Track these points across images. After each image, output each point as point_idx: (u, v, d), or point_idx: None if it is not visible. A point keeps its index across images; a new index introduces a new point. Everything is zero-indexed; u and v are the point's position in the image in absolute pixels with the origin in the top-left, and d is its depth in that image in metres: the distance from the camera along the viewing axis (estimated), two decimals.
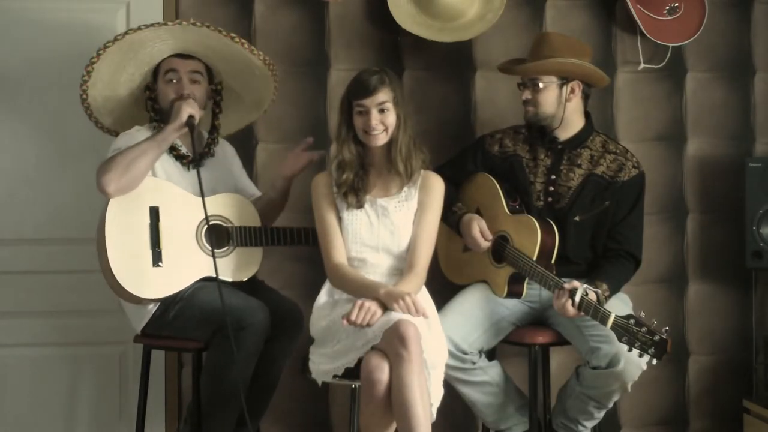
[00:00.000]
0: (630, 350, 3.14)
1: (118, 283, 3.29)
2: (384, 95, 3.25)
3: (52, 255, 3.92)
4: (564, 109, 3.52)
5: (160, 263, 3.34)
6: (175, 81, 3.46)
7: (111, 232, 3.30)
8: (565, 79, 3.51)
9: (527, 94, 3.53)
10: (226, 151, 3.68)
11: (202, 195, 3.30)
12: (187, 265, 3.37)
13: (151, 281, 3.32)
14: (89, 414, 3.98)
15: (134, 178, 3.30)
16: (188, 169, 3.47)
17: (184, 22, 3.40)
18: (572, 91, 3.53)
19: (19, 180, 3.92)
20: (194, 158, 3.43)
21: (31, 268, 3.93)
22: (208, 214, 3.34)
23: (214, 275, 3.33)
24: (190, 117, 3.35)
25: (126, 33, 3.40)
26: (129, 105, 3.58)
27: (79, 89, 3.47)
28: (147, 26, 3.40)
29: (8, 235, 3.92)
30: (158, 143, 3.33)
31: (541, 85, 3.50)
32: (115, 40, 3.39)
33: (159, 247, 3.34)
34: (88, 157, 3.86)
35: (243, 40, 3.47)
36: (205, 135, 3.59)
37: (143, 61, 3.49)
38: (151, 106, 3.51)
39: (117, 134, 3.55)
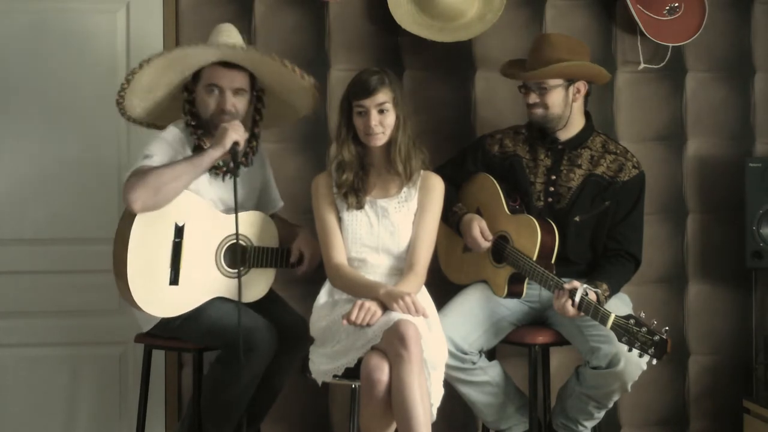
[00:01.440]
0: (630, 350, 3.14)
1: (132, 298, 3.25)
2: (383, 96, 3.25)
3: (52, 255, 3.92)
4: (570, 109, 3.53)
5: (176, 283, 3.29)
6: (217, 93, 3.32)
7: (134, 247, 3.23)
8: (570, 80, 3.51)
9: (534, 98, 3.52)
10: (260, 156, 3.57)
11: (236, 211, 3.22)
12: (202, 285, 3.32)
13: (165, 300, 3.28)
14: (89, 414, 3.98)
15: (162, 201, 3.20)
16: (222, 180, 3.37)
17: (237, 47, 3.28)
18: (578, 91, 3.54)
19: (19, 180, 3.92)
20: (231, 172, 3.28)
21: (31, 268, 3.93)
22: (231, 232, 3.29)
23: (227, 296, 3.32)
24: (235, 144, 3.23)
25: (173, 49, 3.30)
26: (166, 101, 3.47)
27: (117, 95, 3.36)
28: (196, 45, 3.30)
29: (8, 235, 3.92)
30: (195, 167, 3.22)
31: (548, 88, 3.49)
32: (161, 54, 3.29)
33: (179, 266, 3.29)
34: (88, 157, 3.86)
35: (294, 66, 3.35)
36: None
37: (187, 67, 3.36)
38: (188, 109, 3.39)
39: (143, 125, 3.48)
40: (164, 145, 3.31)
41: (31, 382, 3.94)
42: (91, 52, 3.88)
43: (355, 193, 3.31)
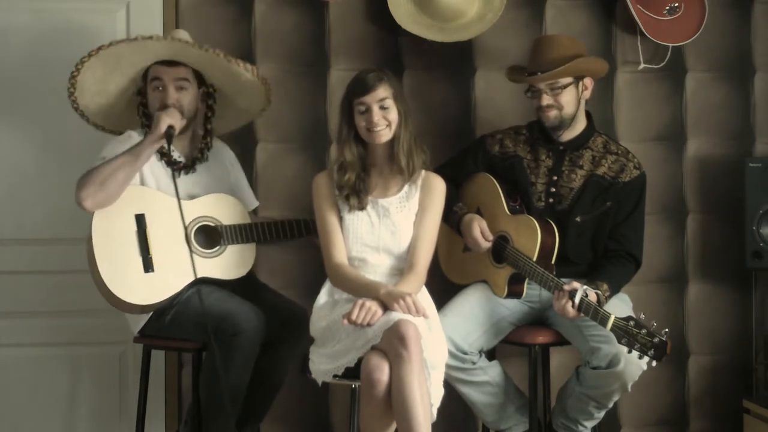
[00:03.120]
0: (630, 352, 3.14)
1: (112, 294, 3.27)
2: (384, 91, 3.25)
3: (52, 255, 3.92)
4: (579, 106, 3.53)
5: (152, 269, 3.32)
6: (160, 89, 3.41)
7: (99, 244, 3.28)
8: (578, 78, 3.52)
9: (548, 100, 3.51)
10: (224, 156, 3.65)
11: (178, 199, 3.27)
12: (180, 268, 3.34)
13: (145, 287, 3.30)
14: (89, 414, 3.98)
15: (111, 194, 3.27)
16: (179, 175, 3.43)
17: (154, 37, 3.34)
18: (585, 87, 3.55)
19: (19, 180, 3.92)
20: (172, 165, 3.37)
21: (31, 268, 3.93)
22: (198, 215, 3.37)
23: (210, 276, 3.34)
24: (169, 127, 3.30)
25: (100, 48, 3.34)
26: (122, 106, 3.55)
27: (69, 99, 3.46)
28: (118, 41, 3.36)
29: (8, 235, 3.92)
30: (135, 157, 3.29)
31: (561, 87, 3.49)
32: (90, 55, 3.35)
33: (149, 253, 3.32)
34: (87, 156, 3.83)
35: (218, 51, 3.38)
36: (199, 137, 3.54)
37: (127, 70, 3.45)
38: (142, 111, 3.48)
39: (118, 133, 3.53)
40: (118, 146, 3.37)
41: (31, 382, 3.94)
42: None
43: (356, 194, 3.30)
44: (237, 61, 3.42)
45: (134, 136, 3.43)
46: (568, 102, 3.51)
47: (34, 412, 3.95)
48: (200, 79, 3.50)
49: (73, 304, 3.92)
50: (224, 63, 3.41)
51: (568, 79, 3.50)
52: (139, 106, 3.49)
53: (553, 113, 3.52)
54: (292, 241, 3.61)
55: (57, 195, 3.92)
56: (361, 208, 3.31)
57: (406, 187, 3.34)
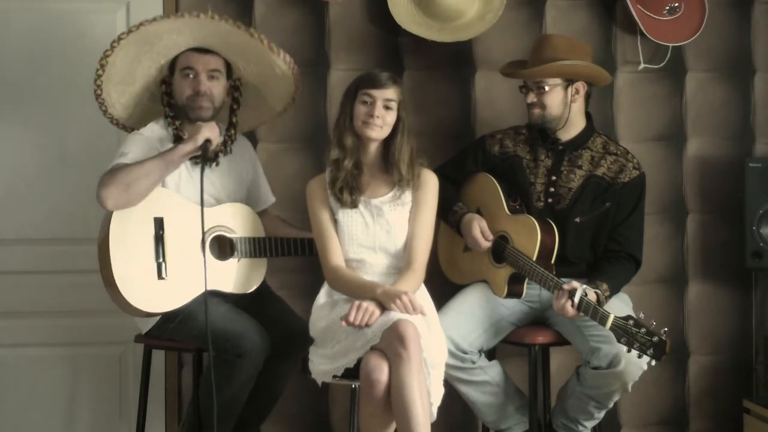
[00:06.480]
0: (629, 351, 3.14)
1: (123, 298, 3.24)
2: (393, 93, 3.26)
3: (52, 255, 3.92)
4: (569, 110, 3.52)
5: (164, 276, 3.28)
6: (192, 77, 3.36)
7: (115, 245, 3.23)
8: (569, 81, 3.51)
9: (532, 97, 3.52)
10: (246, 151, 3.60)
11: (202, 205, 3.22)
12: (192, 277, 3.28)
13: (155, 294, 3.27)
14: (89, 414, 3.98)
15: (134, 197, 3.22)
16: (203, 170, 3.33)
17: (202, 15, 3.29)
18: (577, 91, 3.53)
19: (19, 180, 3.92)
20: (203, 167, 3.27)
21: (31, 268, 3.93)
22: (214, 224, 3.32)
23: (220, 289, 3.32)
24: (207, 141, 3.25)
25: (141, 24, 3.29)
26: (145, 99, 3.49)
27: (94, 84, 3.38)
28: (162, 17, 3.32)
29: (8, 235, 3.92)
30: (166, 164, 3.23)
31: (546, 87, 3.49)
32: (130, 31, 3.29)
33: (164, 259, 3.28)
34: (88, 156, 3.87)
35: (263, 37, 3.37)
36: (222, 129, 3.47)
37: (160, 54, 3.39)
38: (167, 101, 3.41)
39: (131, 130, 3.46)
40: (140, 141, 3.33)
41: (31, 382, 3.95)
42: (91, 52, 3.86)
43: (349, 189, 3.30)
44: (278, 50, 3.39)
45: (156, 130, 3.38)
46: (553, 103, 3.51)
47: (34, 412, 3.95)
48: (228, 71, 3.45)
49: (73, 304, 3.93)
50: (263, 50, 3.37)
51: (555, 81, 3.49)
52: (163, 95, 3.42)
53: (536, 111, 3.52)
54: (301, 257, 3.58)
55: (57, 195, 3.93)
56: (354, 205, 3.30)
57: (398, 186, 3.33)
